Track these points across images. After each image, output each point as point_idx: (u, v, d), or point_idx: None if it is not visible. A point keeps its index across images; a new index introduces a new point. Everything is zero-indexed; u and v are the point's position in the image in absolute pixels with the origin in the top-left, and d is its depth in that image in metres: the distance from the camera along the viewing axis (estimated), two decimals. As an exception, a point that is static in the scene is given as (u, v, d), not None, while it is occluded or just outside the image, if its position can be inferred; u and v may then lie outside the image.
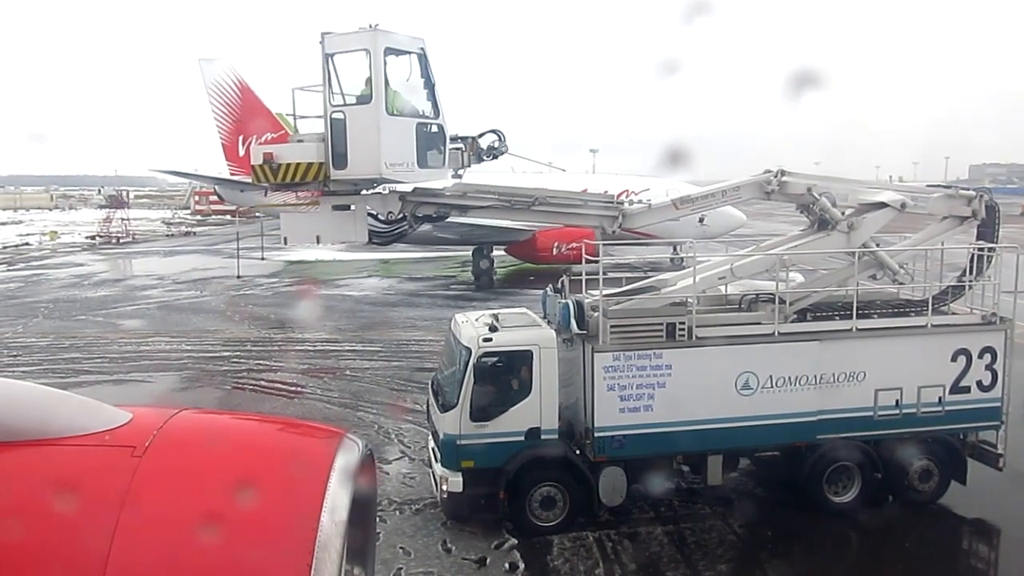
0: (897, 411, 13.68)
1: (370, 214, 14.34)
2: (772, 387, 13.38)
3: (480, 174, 15.03)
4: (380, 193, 14.00)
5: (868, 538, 14.01)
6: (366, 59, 12.70)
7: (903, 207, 14.29)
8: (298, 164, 12.85)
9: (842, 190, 14.80)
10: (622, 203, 14.65)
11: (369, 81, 12.77)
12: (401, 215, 14.08)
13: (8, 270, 48.50)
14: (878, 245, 14.71)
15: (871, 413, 13.64)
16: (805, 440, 13.69)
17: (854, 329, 13.72)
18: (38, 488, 2.64)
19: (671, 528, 13.59)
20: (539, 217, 14.63)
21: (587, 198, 14.52)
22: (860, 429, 13.75)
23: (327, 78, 12.97)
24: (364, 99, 12.88)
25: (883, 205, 14.26)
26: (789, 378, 13.43)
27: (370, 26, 12.64)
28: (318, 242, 15.21)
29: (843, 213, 14.51)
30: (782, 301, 13.83)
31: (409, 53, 13.00)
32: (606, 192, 19.11)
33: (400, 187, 13.85)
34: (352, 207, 13.91)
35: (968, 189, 15.03)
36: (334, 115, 12.92)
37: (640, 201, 40.90)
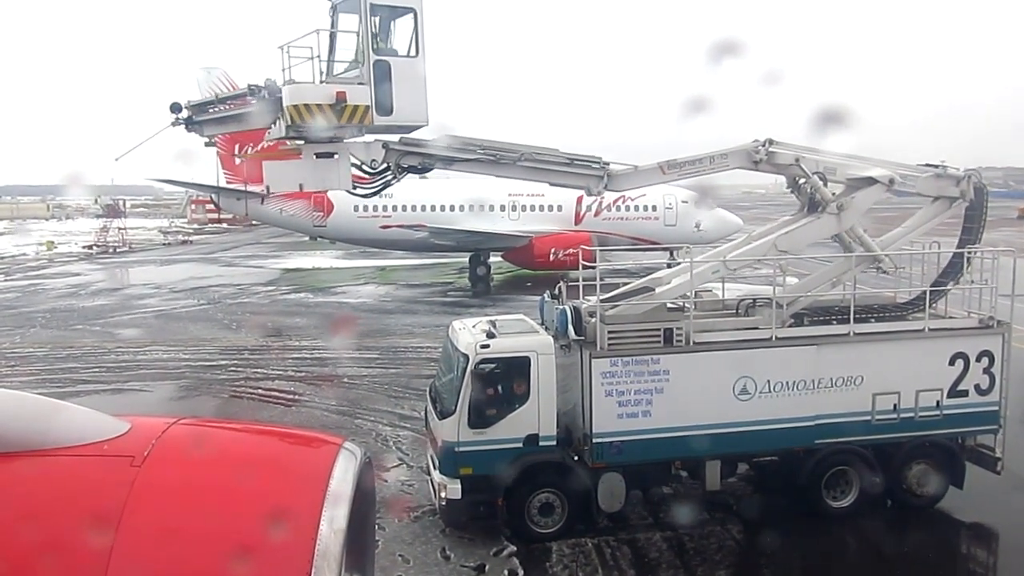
0: (895, 415, 13.69)
1: (353, 164, 14.32)
2: (770, 392, 13.38)
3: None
4: (364, 142, 13.98)
5: (867, 543, 13.99)
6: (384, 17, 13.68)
7: (892, 183, 14.16)
8: (356, 106, 13.04)
9: (830, 164, 14.51)
10: (608, 164, 14.40)
11: (415, 36, 13.64)
12: (385, 165, 14.07)
13: (5, 280, 48.40)
14: (865, 231, 14.53)
15: (869, 417, 13.63)
16: (803, 445, 13.69)
17: (851, 333, 13.73)
18: (38, 498, 2.65)
19: (670, 534, 13.56)
20: (524, 173, 14.44)
21: (573, 156, 14.35)
22: (858, 433, 13.74)
23: (368, 29, 13.38)
24: (403, 53, 13.72)
25: (872, 181, 14.14)
26: (787, 383, 13.43)
27: None
28: (301, 189, 15.24)
29: (833, 194, 14.35)
30: (779, 305, 13.84)
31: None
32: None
33: (384, 136, 14.02)
34: (335, 155, 13.91)
35: (957, 169, 14.72)
36: (378, 64, 13.33)
37: (640, 207, 41.60)
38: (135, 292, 42.43)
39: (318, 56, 13.39)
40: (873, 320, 14.24)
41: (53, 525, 2.57)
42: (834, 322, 14.06)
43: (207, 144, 13.72)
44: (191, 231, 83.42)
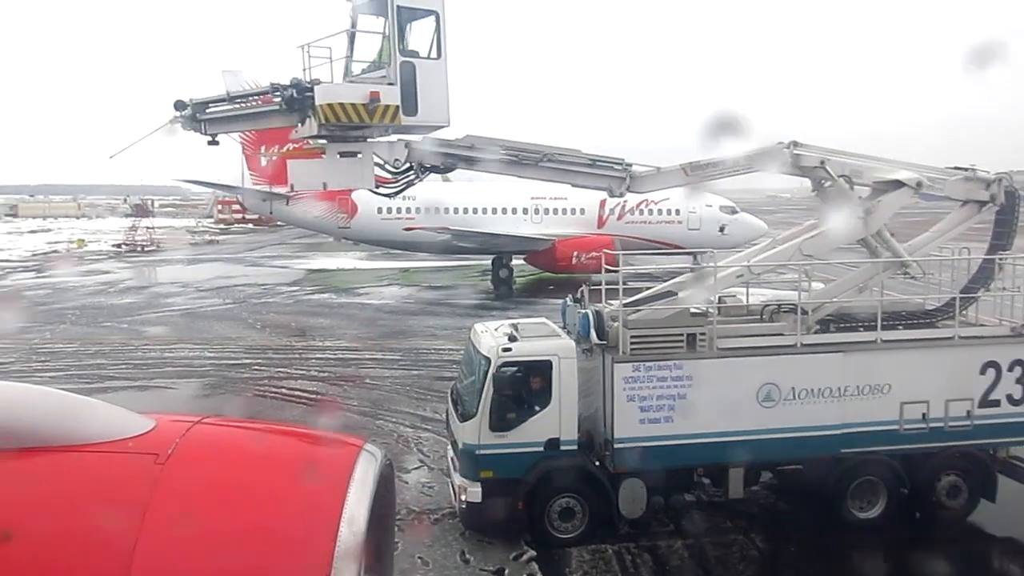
0: (924, 425, 13.45)
1: (376, 164, 14.42)
2: (795, 399, 13.23)
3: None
4: (388, 142, 14.09)
5: (894, 556, 13.75)
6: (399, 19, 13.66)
7: (919, 186, 13.89)
8: (387, 106, 13.19)
9: (857, 166, 14.26)
10: (631, 165, 14.37)
11: (436, 38, 13.86)
12: (407, 165, 14.15)
13: (37, 277, 49.13)
14: (892, 235, 14.30)
15: (897, 427, 13.41)
16: (828, 454, 13.50)
17: (879, 341, 13.53)
18: (65, 493, 2.68)
19: (691, 542, 13.46)
20: (546, 174, 14.44)
21: (596, 157, 14.32)
22: (885, 443, 13.50)
23: (396, 31, 13.53)
24: (427, 54, 13.90)
25: (899, 185, 13.90)
26: (812, 390, 13.26)
27: None
28: (324, 188, 15.38)
29: (859, 197, 14.14)
30: (804, 311, 13.70)
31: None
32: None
33: (407, 136, 14.14)
34: (359, 154, 14.04)
35: (987, 172, 14.41)
36: (404, 65, 13.51)
37: (663, 211, 41.42)
38: (162, 290, 42.93)
39: (348, 56, 13.52)
40: (901, 327, 14.00)
41: (79, 519, 2.60)
42: (861, 329, 13.89)
43: (210, 143, 13.65)
44: (217, 231, 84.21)
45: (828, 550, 13.59)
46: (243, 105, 13.75)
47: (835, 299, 14.41)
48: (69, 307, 36.91)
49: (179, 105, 13.00)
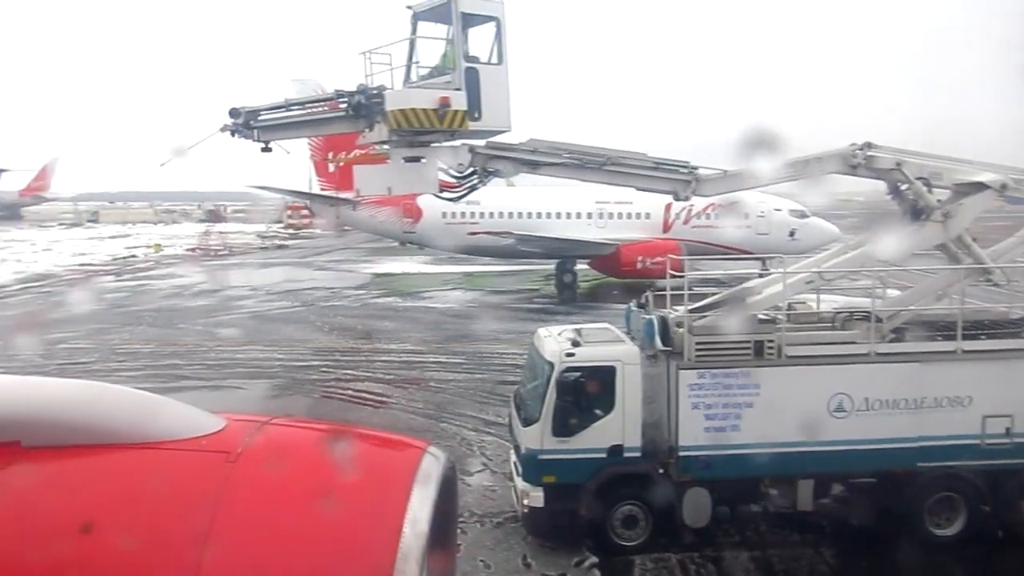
0: (1007, 440, 12.83)
1: (440, 168, 14.54)
2: (868, 410, 12.83)
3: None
4: (451, 146, 14.19)
5: None
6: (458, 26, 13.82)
7: (1004, 188, 13.34)
8: (456, 111, 13.41)
9: (935, 168, 13.74)
10: (696, 168, 14.15)
11: (497, 44, 14.09)
12: (471, 169, 14.24)
13: (116, 280, 50.96)
14: (974, 240, 13.77)
15: (978, 441, 12.85)
16: (904, 467, 13.03)
17: (959, 351, 12.98)
18: (139, 488, 2.77)
19: (758, 554, 13.20)
20: (609, 177, 14.34)
21: (660, 161, 14.18)
22: (965, 458, 12.95)
23: (458, 37, 13.77)
24: (487, 60, 14.12)
25: (982, 187, 13.36)
26: (886, 401, 12.84)
27: None
28: (389, 192, 15.60)
29: (938, 200, 13.62)
30: (878, 319, 13.29)
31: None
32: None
33: (470, 140, 14.23)
34: (423, 159, 14.17)
35: None
36: (468, 70, 13.70)
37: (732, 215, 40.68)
38: (234, 294, 44.01)
39: (410, 63, 13.69)
40: (983, 337, 13.37)
41: (154, 513, 2.68)
42: (939, 338, 13.38)
43: (263, 150, 13.79)
44: (287, 236, 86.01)
45: (903, 568, 13.11)
46: (301, 112, 13.94)
47: (912, 307, 13.93)
48: (146, 309, 38.18)
49: (233, 113, 13.25)
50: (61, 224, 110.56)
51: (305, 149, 44.99)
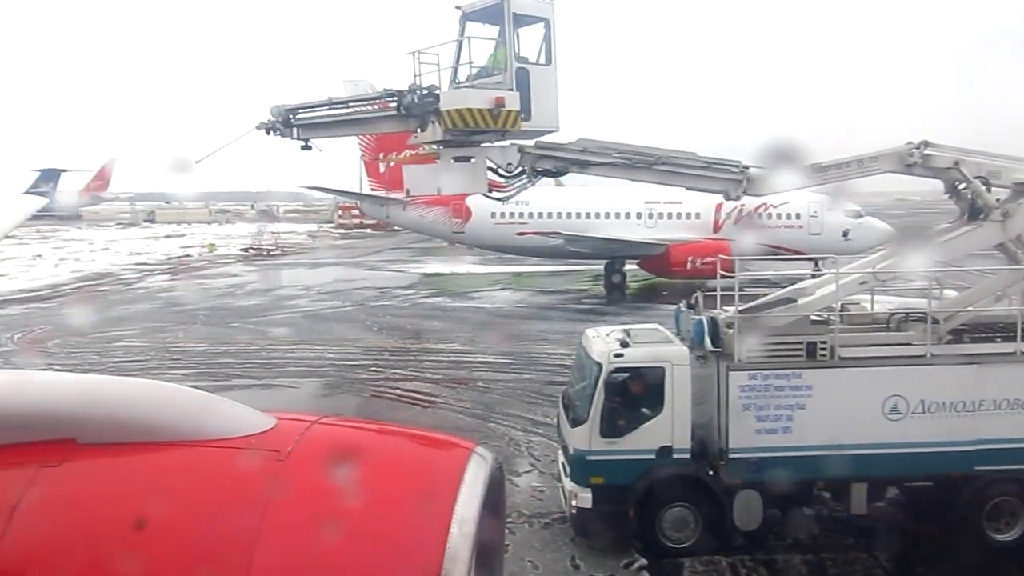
0: None
1: (489, 168, 14.54)
2: (924, 412, 12.54)
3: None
4: (500, 146, 14.21)
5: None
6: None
7: None
8: (510, 111, 13.46)
9: (994, 167, 13.37)
10: (748, 167, 13.93)
11: (546, 45, 14.17)
12: (520, 168, 14.24)
13: (172, 279, 52.17)
14: None
15: None
16: (961, 471, 12.71)
17: (1019, 352, 12.65)
18: (193, 485, 2.83)
19: (811, 558, 12.97)
20: (659, 177, 14.23)
21: (711, 160, 14.01)
22: None
23: (510, 38, 13.83)
24: (536, 60, 14.20)
25: None
26: (943, 403, 12.54)
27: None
28: (439, 192, 15.68)
29: (997, 199, 13.25)
30: (935, 320, 12.97)
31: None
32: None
33: (520, 140, 14.23)
34: (472, 159, 14.22)
35: None
36: (519, 71, 13.78)
37: (783, 215, 40.10)
38: (285, 293, 44.75)
39: (461, 63, 13.76)
40: None
41: (206, 510, 2.73)
42: (998, 340, 13.03)
43: (303, 148, 13.67)
44: (338, 236, 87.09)
45: (961, 574, 12.80)
46: (348, 110, 13.96)
47: (969, 307, 13.58)
48: (200, 308, 38.95)
49: (275, 111, 13.17)
50: (118, 224, 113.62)
51: (353, 149, 45.57)
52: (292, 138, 13.42)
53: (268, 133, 13.25)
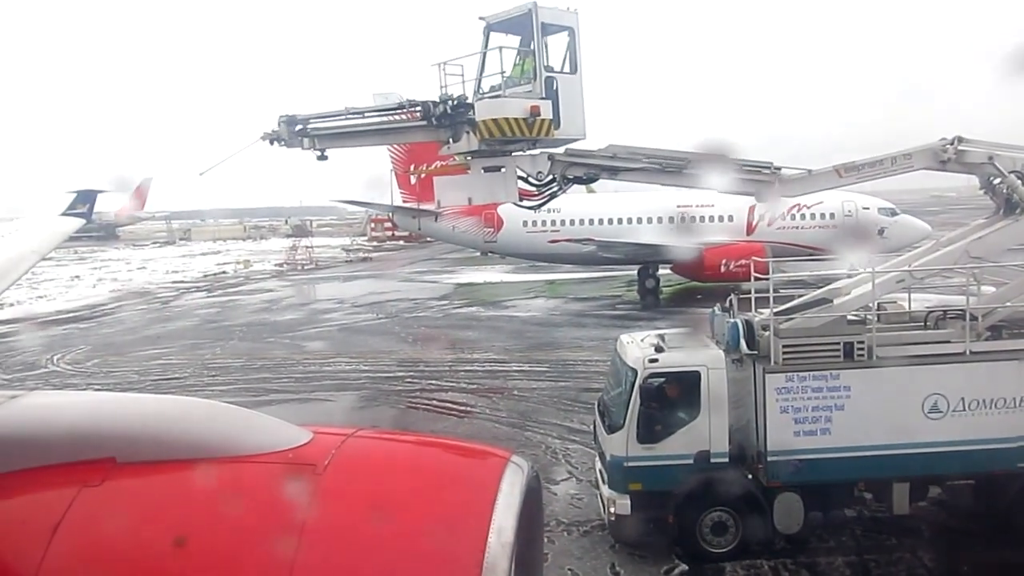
0: None
1: (520, 176, 14.52)
2: (964, 410, 12.34)
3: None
4: (531, 155, 14.21)
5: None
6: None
7: None
8: (544, 120, 13.47)
9: None
10: (779, 168, 13.82)
11: (570, 53, 14.14)
12: (551, 176, 14.24)
13: (208, 296, 52.91)
14: None
15: None
16: (1004, 468, 12.49)
17: None
18: (233, 501, 2.89)
19: (853, 559, 12.79)
20: (691, 181, 14.15)
21: (742, 162, 13.89)
22: None
23: (539, 47, 13.80)
24: (561, 69, 14.17)
25: None
26: (984, 401, 12.33)
27: (570, 8, 14.13)
28: (470, 203, 15.68)
29: None
30: (973, 317, 12.76)
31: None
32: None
33: (549, 148, 14.23)
34: (503, 168, 14.23)
35: None
36: (547, 80, 13.79)
37: (817, 215, 39.64)
38: (320, 307, 45.17)
39: (497, 73, 13.78)
40: None
41: (246, 526, 2.79)
42: None
43: (319, 158, 13.44)
44: (371, 248, 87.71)
45: (1007, 573, 12.53)
46: (373, 120, 13.90)
47: (1008, 303, 13.34)
48: (237, 324, 39.50)
49: (289, 120, 13.07)
50: (155, 243, 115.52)
51: (384, 161, 45.87)
52: (302, 148, 13.30)
53: (272, 144, 13.20)
